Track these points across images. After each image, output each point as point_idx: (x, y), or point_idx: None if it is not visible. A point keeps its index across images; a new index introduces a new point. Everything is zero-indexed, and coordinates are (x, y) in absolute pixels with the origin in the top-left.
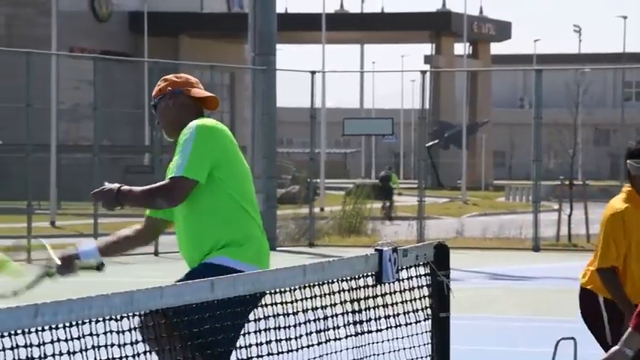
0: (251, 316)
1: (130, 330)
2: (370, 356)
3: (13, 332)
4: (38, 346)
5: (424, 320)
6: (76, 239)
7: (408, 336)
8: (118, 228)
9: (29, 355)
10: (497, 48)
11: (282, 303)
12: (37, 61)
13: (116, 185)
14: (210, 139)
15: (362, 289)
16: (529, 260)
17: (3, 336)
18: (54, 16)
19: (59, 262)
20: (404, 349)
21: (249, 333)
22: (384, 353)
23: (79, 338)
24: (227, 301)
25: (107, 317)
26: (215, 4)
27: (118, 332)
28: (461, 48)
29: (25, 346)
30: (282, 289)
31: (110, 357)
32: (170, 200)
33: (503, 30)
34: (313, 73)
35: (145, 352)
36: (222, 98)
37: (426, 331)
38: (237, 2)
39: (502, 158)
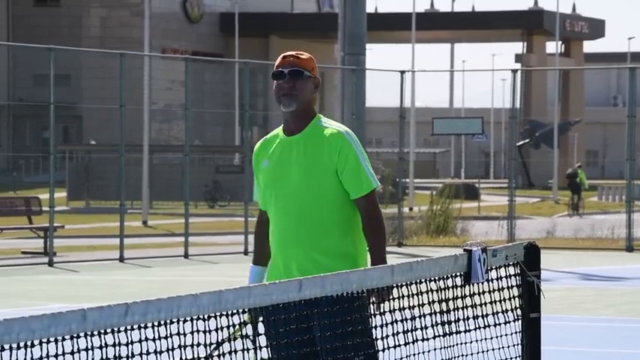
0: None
1: (217, 329)
2: (459, 357)
3: (102, 331)
4: (127, 345)
5: (514, 321)
6: (167, 239)
7: (497, 336)
8: (208, 228)
9: (117, 354)
10: (590, 46)
11: (370, 303)
12: (130, 62)
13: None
14: None
15: (451, 289)
16: (622, 261)
17: (93, 335)
18: (146, 18)
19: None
20: (493, 349)
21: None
22: (472, 354)
23: (166, 337)
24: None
25: (195, 317)
26: (305, 5)
27: (205, 332)
28: (553, 46)
29: (114, 345)
30: (371, 289)
31: (196, 356)
32: (380, 210)
33: (596, 28)
34: (403, 72)
35: (230, 352)
36: None
37: (516, 332)
38: (327, 2)
39: (595, 157)
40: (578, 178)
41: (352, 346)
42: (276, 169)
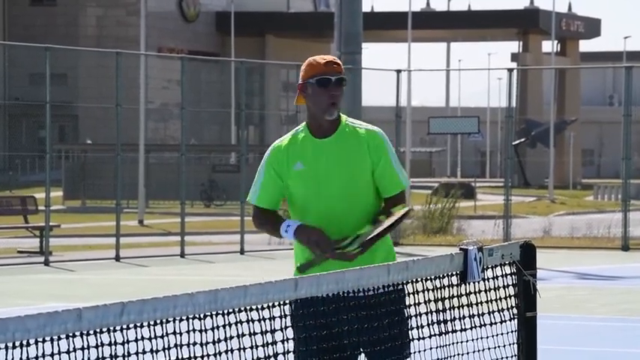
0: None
1: (212, 329)
2: (454, 356)
3: (98, 330)
4: (122, 344)
5: (510, 320)
6: (163, 238)
7: (493, 336)
8: (204, 227)
9: (113, 353)
10: (586, 45)
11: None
12: (126, 62)
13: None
14: None
15: (446, 288)
16: (618, 260)
17: (88, 334)
18: (143, 17)
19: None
20: (489, 348)
21: (333, 332)
22: (468, 353)
23: (162, 337)
24: None
25: (191, 316)
26: (301, 4)
27: (201, 331)
28: (549, 45)
29: (110, 345)
30: (366, 288)
31: (192, 355)
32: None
33: (592, 27)
34: (399, 71)
35: (226, 351)
36: None
37: (512, 331)
38: (323, 1)
39: (591, 156)
40: None
41: (390, 338)
42: (315, 171)
